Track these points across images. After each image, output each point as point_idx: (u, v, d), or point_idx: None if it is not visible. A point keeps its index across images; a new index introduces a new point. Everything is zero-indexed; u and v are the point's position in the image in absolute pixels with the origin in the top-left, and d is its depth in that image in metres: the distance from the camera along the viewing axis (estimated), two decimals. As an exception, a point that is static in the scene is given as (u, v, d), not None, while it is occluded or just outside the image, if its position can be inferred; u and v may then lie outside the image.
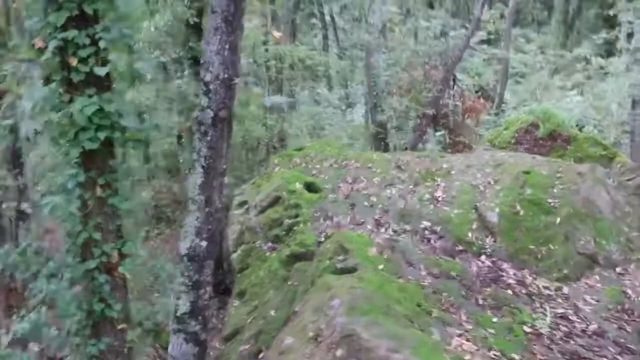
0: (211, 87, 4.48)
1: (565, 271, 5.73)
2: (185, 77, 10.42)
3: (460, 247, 6.16)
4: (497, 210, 6.46)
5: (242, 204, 7.39)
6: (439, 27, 16.08)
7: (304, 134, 18.49)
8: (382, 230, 6.31)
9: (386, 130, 11.73)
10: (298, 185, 6.90)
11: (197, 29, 9.88)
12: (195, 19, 9.72)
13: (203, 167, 4.61)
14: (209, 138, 4.54)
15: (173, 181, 14.16)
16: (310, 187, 7.06)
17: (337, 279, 4.15)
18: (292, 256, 5.67)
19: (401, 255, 5.49)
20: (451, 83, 10.99)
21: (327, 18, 29.75)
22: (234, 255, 6.67)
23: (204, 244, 4.78)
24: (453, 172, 7.66)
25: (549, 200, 6.45)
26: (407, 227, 6.40)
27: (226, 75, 4.47)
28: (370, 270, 4.32)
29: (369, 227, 6.36)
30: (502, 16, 23.43)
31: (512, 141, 11.39)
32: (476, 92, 17.39)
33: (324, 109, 23.17)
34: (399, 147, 11.54)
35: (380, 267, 4.71)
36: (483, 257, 6.02)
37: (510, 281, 5.60)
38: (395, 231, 6.29)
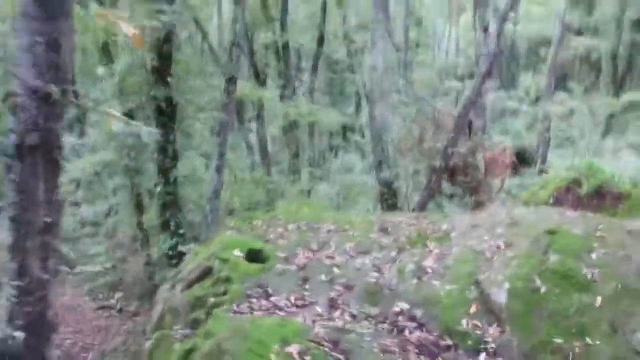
0: (19, 100, 3.02)
1: (613, 382, 3.71)
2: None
3: (448, 342, 4.18)
4: (506, 285, 4.49)
5: (174, 276, 5.76)
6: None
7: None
8: (337, 314, 4.47)
9: (392, 190, 9.98)
10: (236, 253, 5.20)
11: (159, 74, 8.71)
12: (155, 63, 8.54)
13: (12, 220, 3.07)
14: (14, 177, 3.03)
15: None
16: (256, 256, 5.35)
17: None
18: (190, 352, 3.91)
19: (343, 358, 3.64)
20: (466, 131, 9.26)
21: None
22: (147, 345, 4.97)
23: (18, 334, 3.15)
24: (454, 234, 5.82)
25: (586, 272, 4.44)
26: (374, 311, 4.52)
27: (41, 84, 3.01)
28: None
29: (319, 309, 4.53)
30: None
31: (550, 201, 9.55)
32: (517, 154, 15.92)
33: (353, 178, 22.05)
34: (407, 209, 9.77)
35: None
36: (483, 357, 4.05)
37: (522, 399, 3.61)
38: (354, 317, 4.42)
